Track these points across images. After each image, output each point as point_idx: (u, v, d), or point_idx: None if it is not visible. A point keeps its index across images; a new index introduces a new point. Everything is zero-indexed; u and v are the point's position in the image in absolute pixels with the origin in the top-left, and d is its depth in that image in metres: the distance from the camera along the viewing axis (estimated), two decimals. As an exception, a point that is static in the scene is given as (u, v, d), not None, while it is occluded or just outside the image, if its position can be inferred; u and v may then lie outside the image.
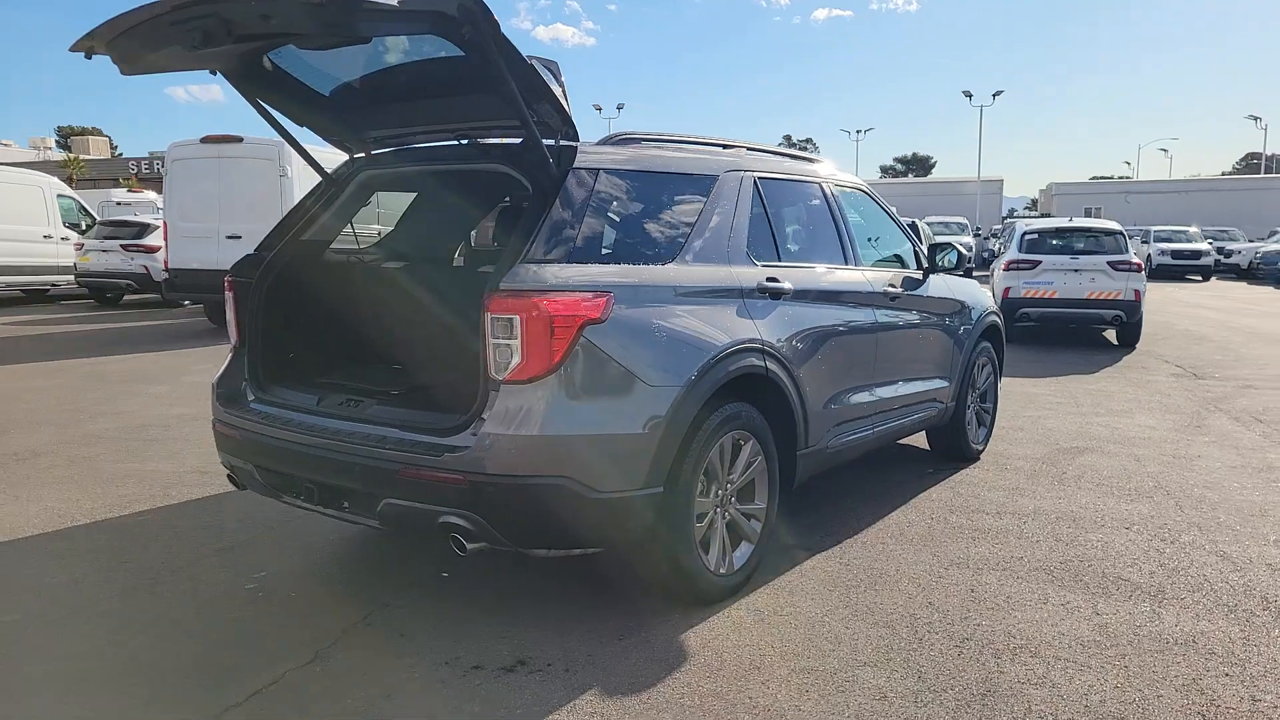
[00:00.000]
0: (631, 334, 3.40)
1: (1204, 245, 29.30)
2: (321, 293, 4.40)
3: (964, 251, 5.91)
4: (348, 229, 4.54)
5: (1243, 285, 28.81)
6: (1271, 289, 27.03)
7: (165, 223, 13.71)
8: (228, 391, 4.10)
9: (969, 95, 53.13)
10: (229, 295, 4.14)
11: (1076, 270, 12.54)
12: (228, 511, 5.17)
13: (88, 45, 3.44)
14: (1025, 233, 13.21)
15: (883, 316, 5.01)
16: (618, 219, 3.68)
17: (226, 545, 4.61)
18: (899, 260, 5.56)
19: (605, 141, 3.91)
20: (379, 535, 4.81)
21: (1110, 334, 13.54)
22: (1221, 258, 31.83)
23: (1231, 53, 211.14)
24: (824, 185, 4.93)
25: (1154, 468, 6.32)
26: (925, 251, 5.70)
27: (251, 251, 4.27)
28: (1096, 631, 3.67)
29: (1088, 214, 39.50)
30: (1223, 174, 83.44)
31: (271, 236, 4.30)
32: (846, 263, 4.88)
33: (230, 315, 4.15)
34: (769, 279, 4.10)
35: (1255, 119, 60.78)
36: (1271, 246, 30.61)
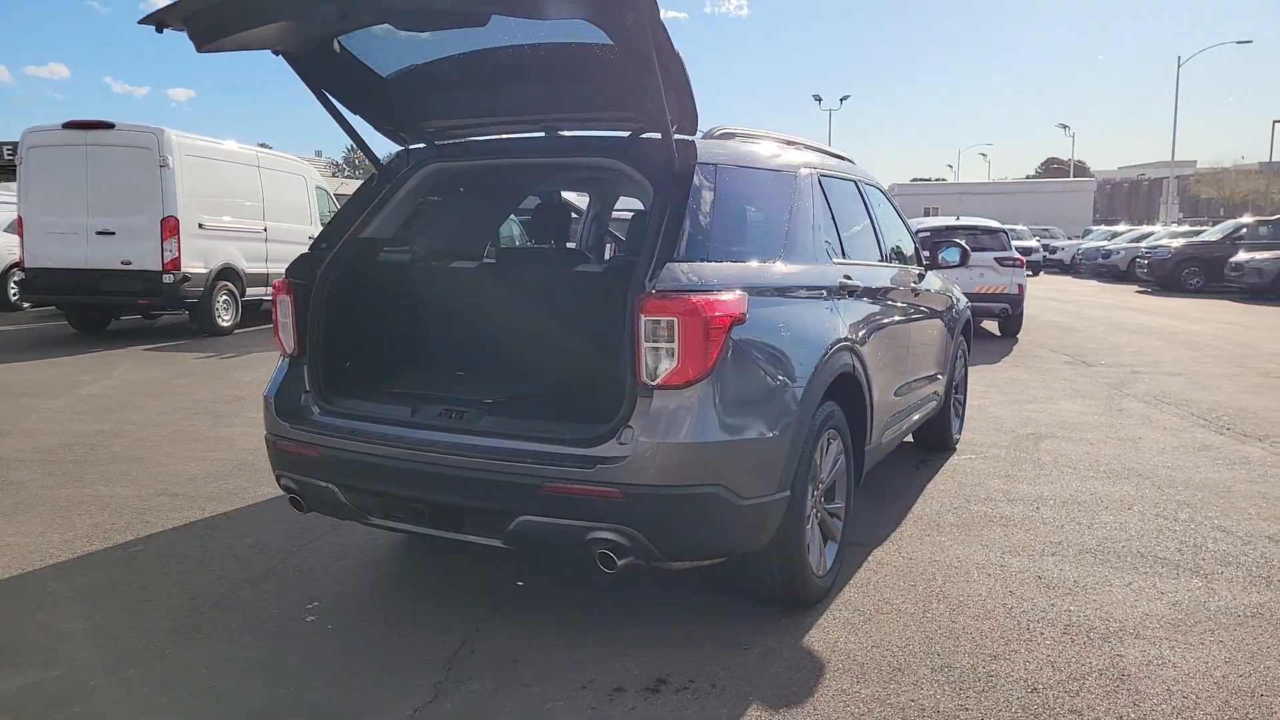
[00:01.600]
0: (763, 334, 3.32)
1: (1034, 243, 31.63)
2: (387, 295, 4.06)
3: (966, 248, 6.12)
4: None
5: (1068, 279, 31.32)
6: (1095, 282, 29.54)
7: (20, 218, 12.36)
8: (288, 405, 3.71)
9: (819, 99, 55.33)
10: (285, 299, 3.75)
11: (966, 267, 13.21)
12: (231, 538, 4.71)
13: (159, 19, 3.04)
14: (916, 231, 13.80)
15: (913, 312, 5.11)
16: (735, 216, 3.58)
17: (254, 575, 4.19)
18: (911, 257, 5.70)
19: (707, 136, 3.79)
20: (423, 551, 4.50)
21: (992, 326, 14.38)
22: (1047, 254, 34.47)
23: (1041, 64, 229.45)
24: (859, 183, 4.97)
25: (1110, 450, 6.74)
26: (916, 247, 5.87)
27: (306, 250, 3.89)
28: (1172, 609, 3.85)
29: (927, 214, 41.87)
30: (1027, 177, 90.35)
31: (327, 234, 3.92)
32: (883, 259, 4.95)
33: (287, 320, 3.76)
34: (845, 276, 4.09)
35: (1064, 126, 66.14)
36: (1090, 244, 33.50)
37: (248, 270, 13.81)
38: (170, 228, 12.23)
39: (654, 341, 3.03)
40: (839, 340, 3.77)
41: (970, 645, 3.50)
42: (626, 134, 3.62)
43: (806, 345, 3.54)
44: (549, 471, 3.09)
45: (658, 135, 3.44)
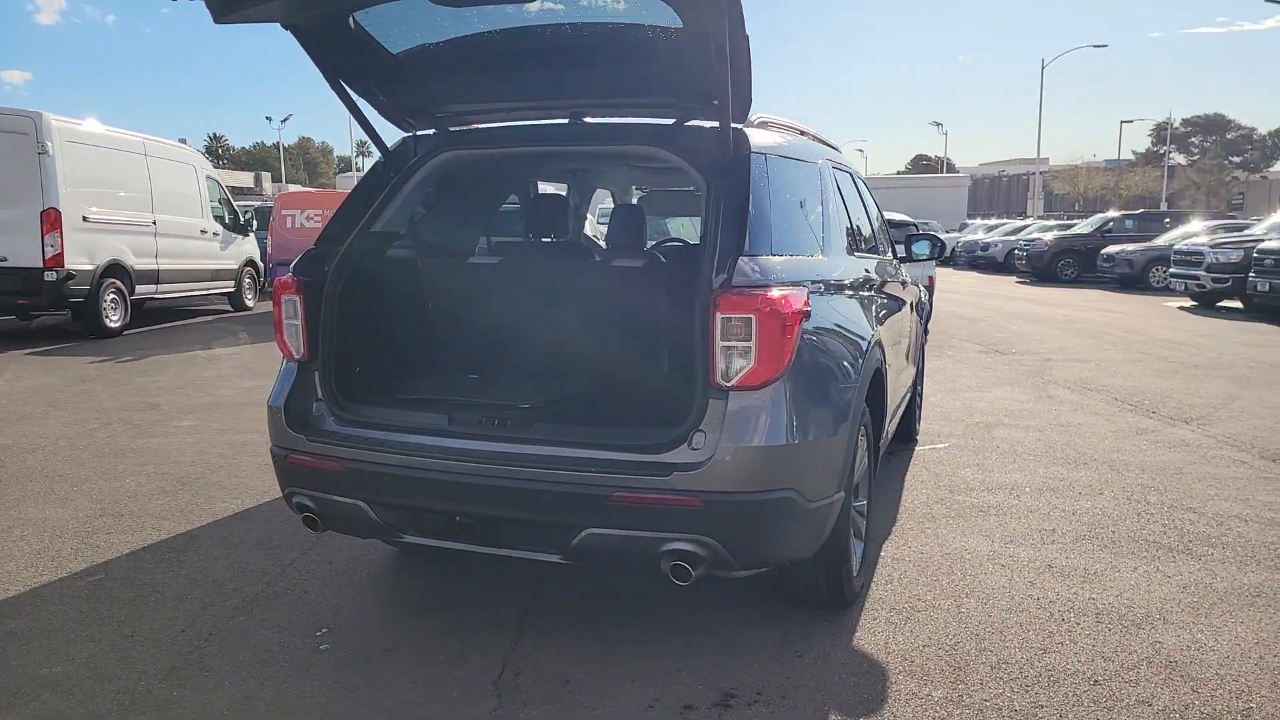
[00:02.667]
0: (821, 331, 3.22)
1: (944, 236, 32.83)
2: (401, 294, 3.76)
3: (941, 240, 6.18)
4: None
5: (950, 271, 32.58)
6: (975, 273, 30.87)
7: (-127, 211, 11.16)
8: (298, 415, 3.38)
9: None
10: (294, 299, 3.41)
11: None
12: (202, 561, 4.31)
13: None
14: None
15: (901, 305, 5.12)
16: (787, 208, 3.45)
17: (243, 602, 3.83)
18: (890, 248, 5.71)
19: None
20: (418, 565, 4.22)
21: (902, 316, 14.77)
22: (928, 246, 35.79)
23: (909, 64, 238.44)
24: (853, 174, 4.93)
25: (1058, 436, 6.96)
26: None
27: (311, 246, 3.55)
28: (1184, 592, 3.96)
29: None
30: (898, 173, 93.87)
31: (334, 228, 3.59)
32: (878, 251, 4.94)
33: (295, 322, 3.42)
34: (865, 269, 4.04)
35: (938, 124, 68.91)
36: (968, 237, 34.99)
37: (136, 267, 12.88)
38: (52, 220, 11.27)
39: (729, 340, 2.88)
40: (874, 336, 3.71)
41: (1016, 640, 3.50)
42: (669, 121, 3.43)
43: (854, 341, 3.47)
44: (619, 480, 2.89)
45: (707, 123, 3.29)
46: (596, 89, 3.47)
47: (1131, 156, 78.77)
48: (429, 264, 4.00)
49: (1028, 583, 4.06)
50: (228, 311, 16.06)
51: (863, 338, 3.57)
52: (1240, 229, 20.63)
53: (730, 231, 3.02)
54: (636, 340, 3.73)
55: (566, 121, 3.55)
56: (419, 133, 3.75)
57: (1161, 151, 76.71)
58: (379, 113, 3.65)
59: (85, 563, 4.26)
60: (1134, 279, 22.32)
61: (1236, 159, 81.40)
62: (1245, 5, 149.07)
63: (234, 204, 16.38)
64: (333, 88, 3.44)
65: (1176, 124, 75.27)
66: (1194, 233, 21.68)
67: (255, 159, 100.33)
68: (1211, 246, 18.00)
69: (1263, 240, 16.84)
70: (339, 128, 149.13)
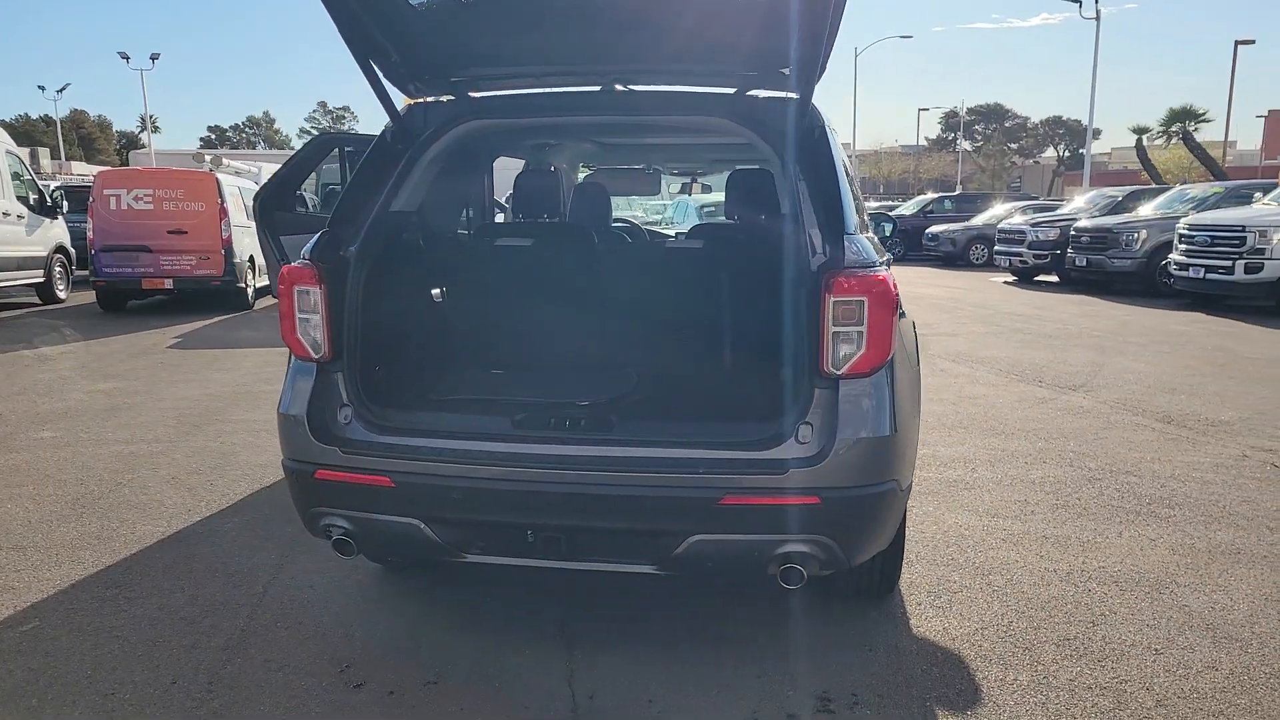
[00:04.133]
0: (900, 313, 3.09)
1: None
2: (427, 281, 3.32)
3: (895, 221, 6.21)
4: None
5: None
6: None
7: None
8: (322, 424, 2.92)
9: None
10: (313, 290, 2.93)
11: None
12: (152, 596, 3.73)
13: None
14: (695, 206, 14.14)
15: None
16: (849, 183, 3.28)
17: (230, 640, 3.33)
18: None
19: None
20: (414, 579, 3.80)
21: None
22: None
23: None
24: None
25: (970, 409, 7.22)
26: None
27: (326, 229, 3.06)
28: (1175, 554, 4.14)
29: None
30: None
31: (346, 207, 3.11)
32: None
33: (313, 316, 2.94)
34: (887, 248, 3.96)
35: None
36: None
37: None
38: None
39: (841, 325, 2.70)
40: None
41: (1062, 614, 3.53)
42: (729, 90, 3.18)
43: (908, 321, 3.37)
44: (731, 481, 2.65)
45: (767, 92, 3.07)
46: (642, 53, 3.17)
47: (925, 143, 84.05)
48: (452, 247, 3.58)
49: (1036, 555, 4.13)
50: (37, 305, 14.31)
51: (906, 317, 3.48)
52: (1050, 209, 22.37)
53: (826, 209, 2.84)
54: (707, 328, 3.48)
55: (616, 89, 3.23)
56: (429, 99, 3.32)
57: (950, 138, 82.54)
58: (384, 75, 3.19)
59: (4, 609, 3.58)
60: (956, 256, 23.81)
61: (1014, 145, 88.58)
62: (1015, 3, 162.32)
63: (39, 183, 14.60)
64: (349, 44, 2.97)
65: (964, 113, 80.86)
66: (1002, 214, 23.34)
67: (20, 133, 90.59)
68: (1031, 225, 19.42)
69: (1076, 220, 18.33)
70: (118, 101, 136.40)
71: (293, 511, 4.64)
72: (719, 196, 11.63)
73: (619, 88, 3.23)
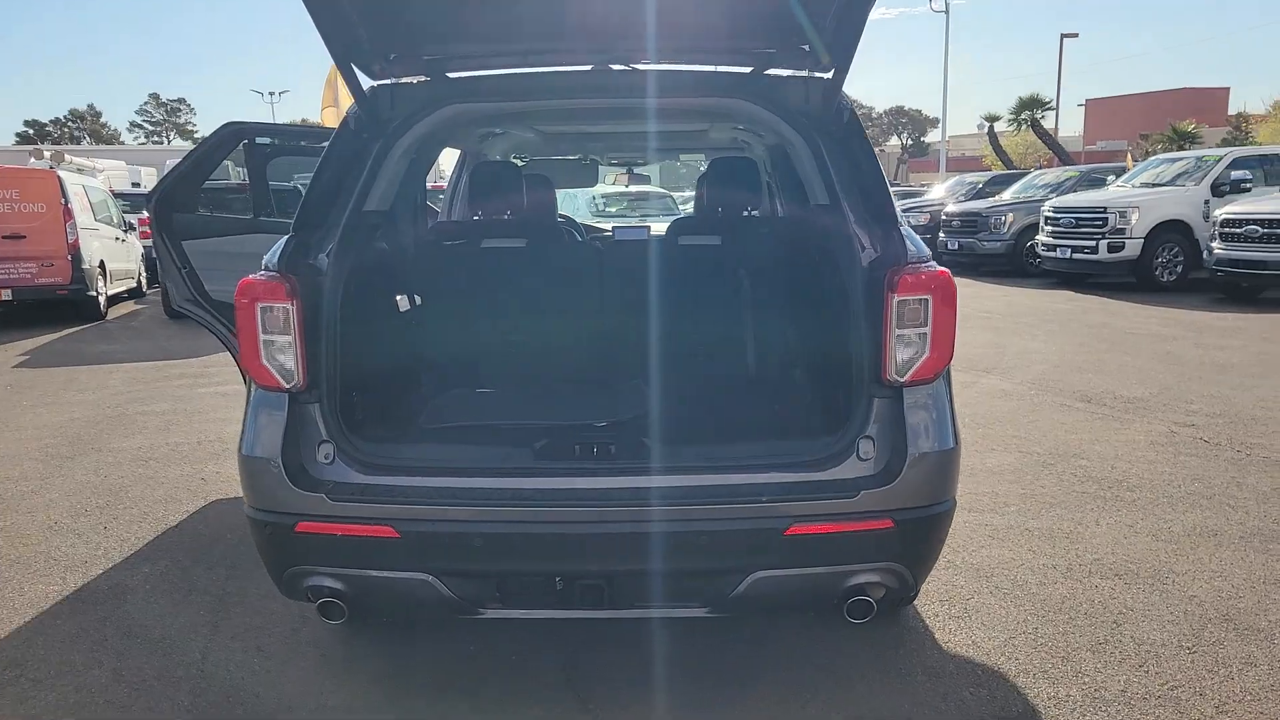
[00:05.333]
0: None
1: None
2: (408, 292, 2.85)
3: None
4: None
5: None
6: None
7: None
8: (300, 466, 2.44)
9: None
10: (283, 307, 2.43)
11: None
12: (69, 670, 3.13)
13: None
14: (596, 197, 13.77)
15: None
16: None
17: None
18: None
19: None
20: (372, 632, 3.33)
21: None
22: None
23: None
24: None
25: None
26: None
27: (292, 233, 2.56)
28: (1159, 541, 4.12)
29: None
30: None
31: (312, 208, 2.62)
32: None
33: (283, 338, 2.44)
34: None
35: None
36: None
37: None
38: None
39: (905, 326, 2.43)
40: None
41: (1083, 615, 3.41)
42: (745, 70, 2.84)
43: None
44: (797, 508, 2.35)
45: (795, 72, 2.77)
46: (643, 28, 2.80)
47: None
48: (432, 252, 3.12)
49: (1028, 551, 4.02)
50: None
51: None
52: (912, 196, 23.11)
53: (871, 199, 2.57)
54: (732, 334, 3.15)
55: (614, 69, 2.84)
56: (397, 81, 2.85)
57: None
58: (346, 52, 2.70)
59: (-123, 708, 2.91)
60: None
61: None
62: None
63: None
64: (317, 23, 2.48)
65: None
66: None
67: None
68: (902, 212, 19.95)
69: (945, 205, 18.97)
70: None
71: (216, 556, 4.12)
72: (652, 187, 11.14)
73: (616, 67, 2.86)
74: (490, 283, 3.26)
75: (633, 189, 11.92)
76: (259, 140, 4.44)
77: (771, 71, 2.83)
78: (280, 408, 2.50)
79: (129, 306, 14.16)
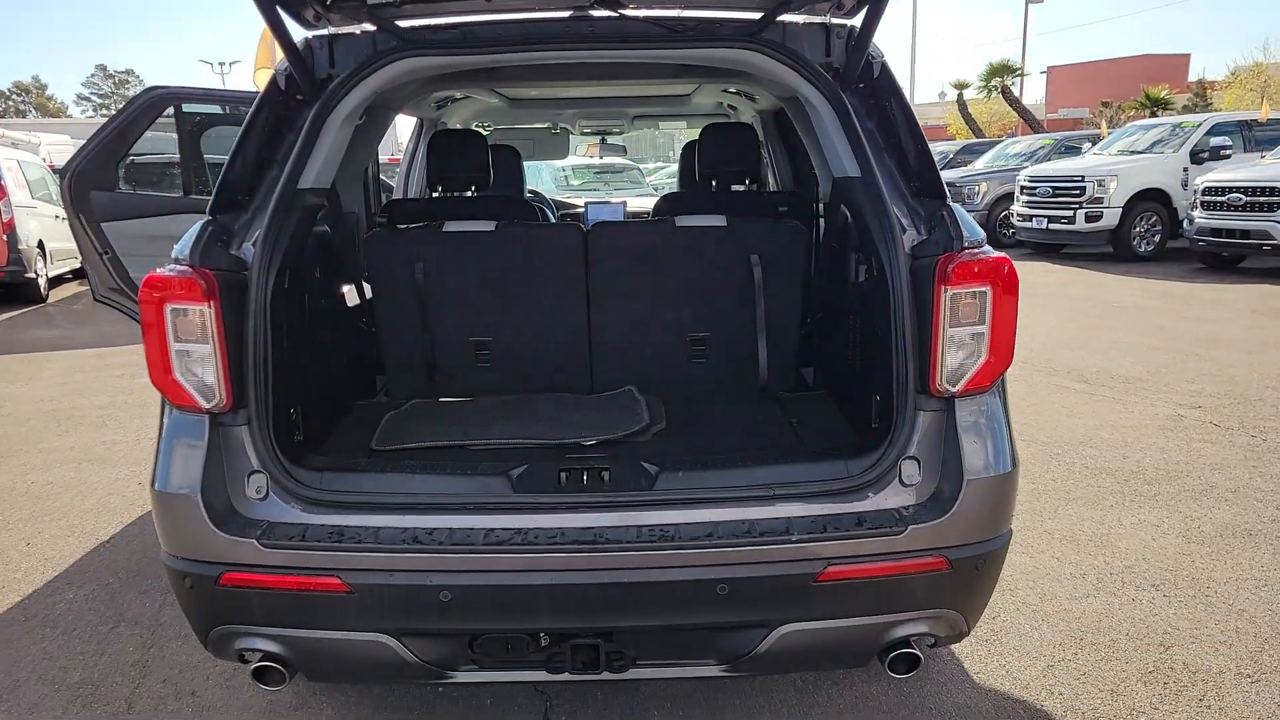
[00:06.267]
0: None
1: None
2: (354, 284, 2.40)
3: None
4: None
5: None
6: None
7: None
8: (226, 505, 1.99)
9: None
10: (204, 309, 1.97)
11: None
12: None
13: None
14: (561, 170, 13.25)
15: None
16: None
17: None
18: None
19: None
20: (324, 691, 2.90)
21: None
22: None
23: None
24: None
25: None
26: None
27: (208, 217, 2.09)
28: (1190, 542, 3.80)
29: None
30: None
31: (233, 186, 2.15)
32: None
33: (198, 348, 1.99)
34: None
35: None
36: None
37: None
38: None
39: (960, 324, 2.03)
40: None
41: (1125, 637, 3.07)
42: (754, 15, 2.38)
43: None
44: (830, 547, 1.94)
45: (811, 18, 2.33)
46: None
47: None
48: (388, 236, 2.67)
49: (1053, 558, 3.67)
50: None
51: None
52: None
53: (912, 171, 2.17)
54: (747, 331, 2.73)
55: (594, 15, 2.37)
56: (336, 31, 2.37)
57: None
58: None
59: None
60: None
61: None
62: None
63: None
64: None
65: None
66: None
67: None
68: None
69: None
70: None
71: (150, 579, 3.66)
72: (622, 159, 10.48)
73: (598, 13, 2.39)
74: (455, 273, 2.81)
75: (600, 160, 11.29)
76: (188, 108, 3.93)
77: (785, 18, 2.38)
78: (199, 433, 2.05)
79: (73, 288, 13.43)
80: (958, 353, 2.04)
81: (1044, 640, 3.04)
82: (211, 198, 2.15)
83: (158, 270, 2.02)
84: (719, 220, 2.87)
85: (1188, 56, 54.89)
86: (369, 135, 3.23)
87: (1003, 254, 2.08)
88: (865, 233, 2.22)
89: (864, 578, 1.96)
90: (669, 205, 3.24)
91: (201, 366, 2.02)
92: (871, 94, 2.30)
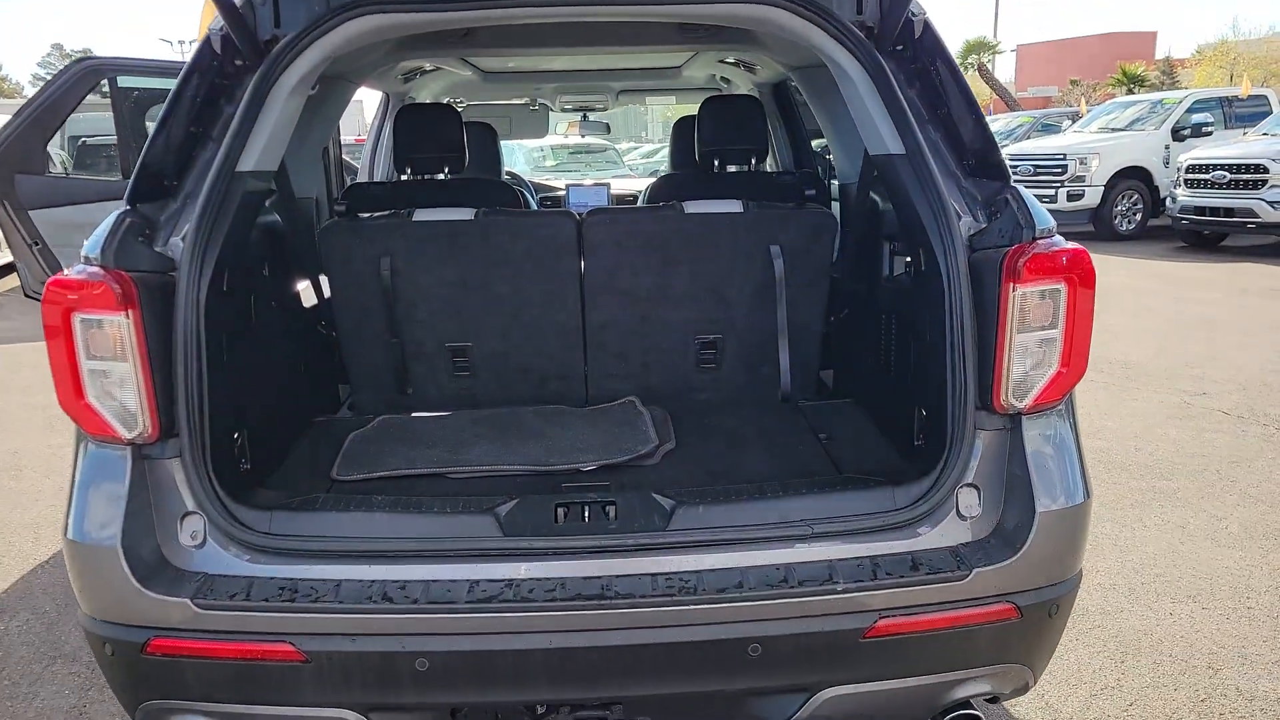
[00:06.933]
0: None
1: None
2: (308, 285, 2.07)
3: None
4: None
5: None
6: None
7: None
8: (154, 556, 1.66)
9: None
10: (120, 320, 1.62)
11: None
12: None
13: None
14: (536, 150, 12.87)
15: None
16: None
17: None
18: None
19: None
20: None
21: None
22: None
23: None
24: None
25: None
26: None
27: (126, 206, 1.73)
28: (1219, 546, 3.57)
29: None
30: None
31: (156, 168, 1.79)
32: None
33: (127, 365, 1.64)
34: None
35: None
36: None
37: None
38: None
39: (1030, 328, 1.73)
40: None
41: (1169, 659, 2.83)
42: None
43: None
44: (882, 597, 1.64)
45: None
46: None
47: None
48: (350, 227, 2.32)
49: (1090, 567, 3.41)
50: None
51: None
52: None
53: (966, 146, 1.86)
54: (769, 334, 2.40)
55: None
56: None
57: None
58: None
59: None
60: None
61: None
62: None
63: None
64: None
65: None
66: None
67: None
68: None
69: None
70: None
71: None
72: (601, 139, 10.04)
73: None
74: (427, 268, 2.45)
75: (576, 140, 10.82)
76: (125, 82, 3.53)
77: None
78: (120, 469, 1.70)
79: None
80: (1027, 361, 1.74)
81: (1082, 664, 2.78)
82: (130, 183, 1.79)
83: (64, 272, 1.66)
84: (733, 206, 2.54)
85: (1154, 34, 55.11)
86: (327, 110, 2.86)
87: (1077, 244, 1.77)
88: (911, 220, 1.91)
89: (921, 631, 1.66)
90: (669, 189, 2.89)
91: (121, 388, 1.67)
92: (913, 57, 1.98)
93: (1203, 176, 11.31)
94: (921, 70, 1.96)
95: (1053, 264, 1.70)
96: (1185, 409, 5.26)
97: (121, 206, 1.77)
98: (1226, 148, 11.67)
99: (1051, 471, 1.77)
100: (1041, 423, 1.79)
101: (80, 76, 3.46)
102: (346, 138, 4.68)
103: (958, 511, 1.76)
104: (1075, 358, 1.76)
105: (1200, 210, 11.45)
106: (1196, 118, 12.99)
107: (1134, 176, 13.11)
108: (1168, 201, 12.18)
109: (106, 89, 3.76)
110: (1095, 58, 40.50)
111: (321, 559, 1.70)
